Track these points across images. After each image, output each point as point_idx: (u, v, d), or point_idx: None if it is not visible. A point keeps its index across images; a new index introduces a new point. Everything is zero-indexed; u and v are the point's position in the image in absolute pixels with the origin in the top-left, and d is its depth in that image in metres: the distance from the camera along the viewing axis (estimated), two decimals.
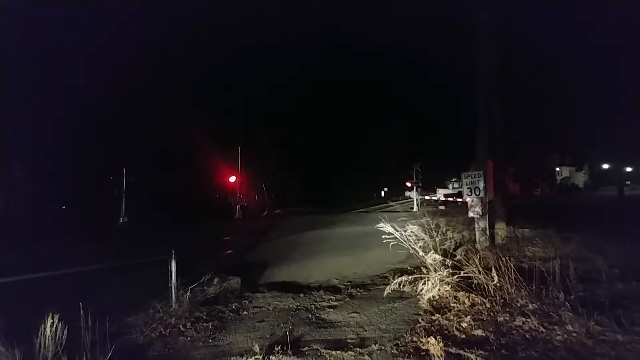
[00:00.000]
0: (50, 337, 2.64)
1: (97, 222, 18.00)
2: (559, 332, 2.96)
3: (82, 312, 2.88)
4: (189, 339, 3.49)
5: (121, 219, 18.68)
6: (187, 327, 3.69)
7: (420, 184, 24.56)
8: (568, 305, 3.24)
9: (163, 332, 3.59)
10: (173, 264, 4.11)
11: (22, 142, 18.36)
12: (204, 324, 3.78)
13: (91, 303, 3.05)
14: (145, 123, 21.71)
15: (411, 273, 4.49)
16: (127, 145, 21.08)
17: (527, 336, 2.98)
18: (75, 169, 20.39)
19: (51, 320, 2.68)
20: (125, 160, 19.95)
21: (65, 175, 20.13)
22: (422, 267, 4.57)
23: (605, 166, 47.50)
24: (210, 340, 3.45)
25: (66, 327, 2.76)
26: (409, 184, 27.09)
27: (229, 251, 9.17)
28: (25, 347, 2.57)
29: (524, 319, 3.21)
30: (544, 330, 3.03)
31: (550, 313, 3.26)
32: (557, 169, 47.33)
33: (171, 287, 4.09)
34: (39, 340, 2.62)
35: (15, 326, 2.82)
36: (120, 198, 18.91)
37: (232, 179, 22.27)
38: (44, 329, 2.65)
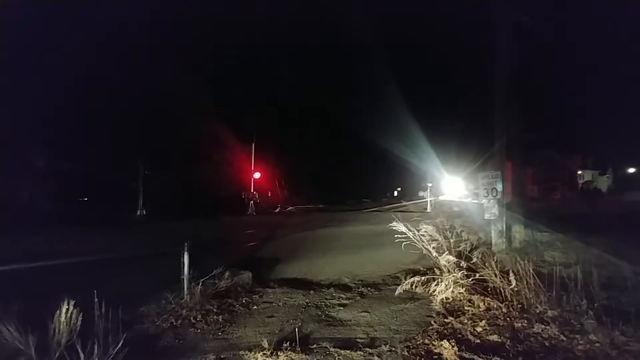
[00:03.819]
0: (64, 324, 2.69)
1: (116, 213, 18.52)
2: (580, 342, 2.81)
3: (96, 300, 2.92)
4: (199, 331, 3.51)
5: (138, 211, 19.18)
6: (198, 319, 3.72)
7: (431, 185, 24.27)
8: (591, 313, 3.08)
9: (174, 323, 3.63)
10: (186, 257, 4.15)
11: (44, 135, 19.01)
12: (215, 316, 3.80)
13: (105, 291, 3.09)
14: (162, 118, 22.11)
15: (424, 274, 4.40)
16: (144, 140, 21.55)
17: (546, 344, 2.85)
18: (95, 162, 21.00)
19: (66, 307, 2.73)
20: (143, 154, 20.44)
21: (85, 168, 20.76)
22: (435, 269, 4.47)
23: (631, 170, 45.41)
24: (219, 333, 3.46)
25: (80, 314, 2.81)
26: (422, 185, 26.73)
27: (241, 246, 9.24)
28: (39, 332, 2.63)
29: (543, 326, 3.07)
30: (564, 338, 2.89)
31: (572, 321, 3.11)
32: (579, 172, 45.64)
33: (183, 279, 4.12)
34: (53, 326, 2.68)
35: (31, 312, 2.89)
36: (138, 191, 19.40)
37: (257, 175, 22.59)
38: (59, 315, 2.71)
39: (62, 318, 2.69)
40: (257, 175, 23.20)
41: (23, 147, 18.30)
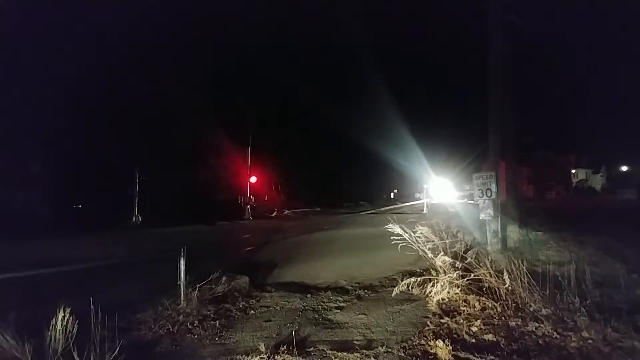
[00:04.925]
0: (60, 331, 2.68)
1: (111, 220, 18.39)
2: (574, 339, 2.85)
3: (92, 307, 2.91)
4: (196, 336, 3.50)
5: (134, 217, 19.05)
6: (195, 324, 3.71)
7: (427, 187, 24.44)
8: (584, 310, 3.13)
9: (171, 329, 3.62)
10: (182, 262, 4.14)
11: (39, 140, 18.88)
12: (212, 322, 3.79)
13: (102, 298, 3.08)
14: (157, 123, 22.04)
15: (420, 275, 4.43)
16: (140, 146, 21.45)
17: (540, 342, 2.89)
18: (90, 168, 20.86)
19: (62, 314, 2.73)
20: (138, 160, 20.34)
21: (80, 174, 20.62)
22: (431, 270, 4.50)
23: (624, 168, 45.94)
24: (217, 338, 3.45)
25: (77, 321, 2.80)
26: (418, 187, 26.87)
27: (238, 250, 9.23)
28: (35, 340, 2.62)
29: (537, 324, 3.11)
30: (558, 336, 2.93)
31: (565, 318, 3.15)
32: (573, 171, 46.11)
33: (180, 285, 4.11)
34: (49, 333, 2.67)
35: (28, 319, 2.88)
36: (134, 197, 19.28)
37: (253, 179, 22.55)
38: (55, 322, 2.70)
39: (59, 326, 2.68)
40: (253, 179, 23.16)
41: (19, 150, 18.19)
